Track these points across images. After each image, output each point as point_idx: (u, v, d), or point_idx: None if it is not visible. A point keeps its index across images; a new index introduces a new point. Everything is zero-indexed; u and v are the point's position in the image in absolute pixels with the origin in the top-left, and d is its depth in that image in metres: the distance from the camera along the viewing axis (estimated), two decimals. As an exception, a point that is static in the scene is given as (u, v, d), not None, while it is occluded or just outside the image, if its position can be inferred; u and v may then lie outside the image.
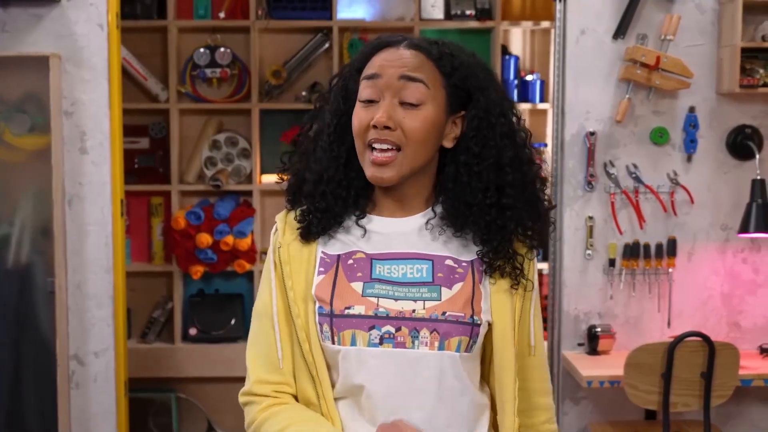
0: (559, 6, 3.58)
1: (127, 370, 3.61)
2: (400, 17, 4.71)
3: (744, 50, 3.40)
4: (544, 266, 4.68)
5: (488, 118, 1.56)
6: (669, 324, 3.61)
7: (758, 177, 3.47)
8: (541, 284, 4.78)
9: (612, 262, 3.60)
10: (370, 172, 1.54)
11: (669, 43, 3.48)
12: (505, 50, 4.77)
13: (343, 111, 1.59)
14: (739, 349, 3.25)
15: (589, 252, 3.60)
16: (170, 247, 4.63)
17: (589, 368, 3.39)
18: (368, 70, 1.56)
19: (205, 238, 4.45)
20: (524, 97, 4.76)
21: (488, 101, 1.56)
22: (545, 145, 4.75)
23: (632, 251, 3.59)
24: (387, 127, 1.52)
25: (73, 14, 3.38)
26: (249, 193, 4.70)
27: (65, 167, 3.42)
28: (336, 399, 1.57)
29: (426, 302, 1.54)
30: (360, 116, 1.55)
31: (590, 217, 3.60)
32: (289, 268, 1.58)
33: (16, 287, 3.39)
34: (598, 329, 3.55)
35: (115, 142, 3.45)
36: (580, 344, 3.62)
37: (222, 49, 4.62)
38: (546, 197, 1.63)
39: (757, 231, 3.45)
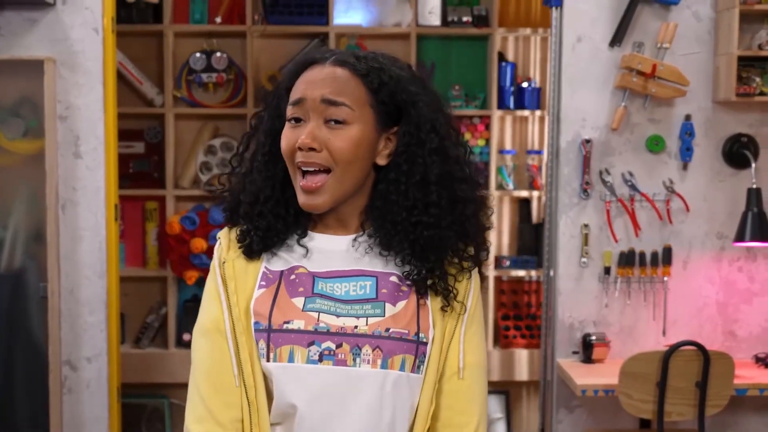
0: (555, 13, 3.58)
1: (120, 375, 3.60)
2: (396, 24, 4.71)
3: (740, 59, 3.40)
4: (537, 273, 4.67)
5: (418, 134, 1.50)
6: (664, 333, 3.60)
7: (754, 186, 3.46)
8: (535, 291, 4.78)
9: (607, 270, 3.59)
10: (302, 199, 1.50)
11: (665, 51, 3.48)
12: (501, 57, 4.77)
13: (277, 130, 1.54)
14: (734, 358, 3.24)
15: (584, 260, 3.60)
16: (165, 252, 4.62)
17: (584, 376, 3.38)
18: (293, 95, 1.51)
19: (199, 243, 4.44)
20: (520, 104, 4.75)
21: (419, 116, 1.50)
22: (541, 153, 4.75)
23: (627, 259, 3.58)
24: (312, 149, 1.46)
25: (68, 18, 3.38)
26: (244, 199, 4.68)
27: (59, 172, 3.41)
28: (272, 424, 1.50)
29: (369, 318, 1.48)
30: (287, 137, 1.50)
31: (585, 225, 3.59)
32: (233, 284, 1.53)
33: (8, 292, 3.38)
34: (593, 337, 3.54)
35: (109, 146, 3.44)
36: (574, 352, 3.61)
37: (218, 54, 4.61)
38: (483, 215, 1.57)
39: (752, 240, 3.44)
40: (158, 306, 4.73)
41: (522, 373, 4.72)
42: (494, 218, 1.59)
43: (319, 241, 1.55)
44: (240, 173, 1.59)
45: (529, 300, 4.81)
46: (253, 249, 1.54)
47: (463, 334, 1.54)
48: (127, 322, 4.66)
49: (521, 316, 4.79)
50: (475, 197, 1.55)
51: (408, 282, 1.52)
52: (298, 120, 1.49)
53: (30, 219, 3.40)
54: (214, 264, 1.56)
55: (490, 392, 1.53)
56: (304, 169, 1.48)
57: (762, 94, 3.44)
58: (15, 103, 3.38)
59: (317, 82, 1.48)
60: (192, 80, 4.65)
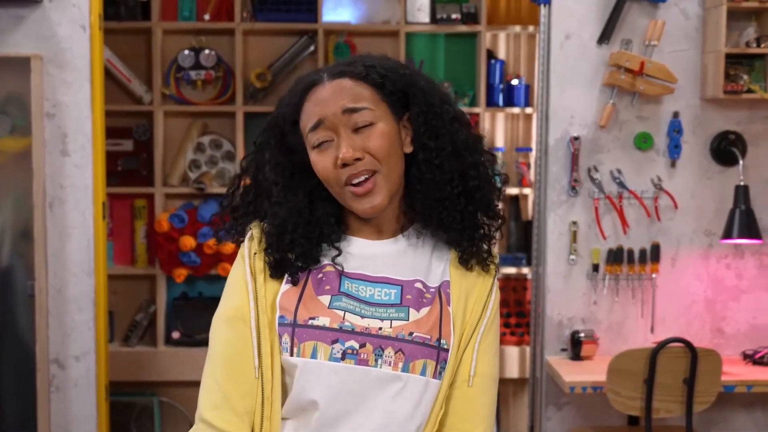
0: (543, 11, 3.58)
1: (108, 373, 3.58)
2: (385, 21, 4.70)
3: (728, 56, 3.40)
4: (526, 270, 4.68)
5: (431, 109, 1.53)
6: (652, 330, 3.61)
7: (741, 183, 3.47)
8: (524, 288, 4.78)
9: (596, 268, 3.60)
10: (359, 206, 1.50)
11: (653, 49, 3.49)
12: (490, 55, 4.77)
13: (287, 165, 1.54)
14: (721, 355, 3.25)
15: (572, 257, 3.60)
16: (153, 250, 4.61)
17: (572, 374, 3.38)
18: (308, 121, 1.51)
19: (188, 241, 4.43)
20: (509, 101, 4.76)
21: (424, 93, 1.53)
22: (530, 150, 4.76)
23: (616, 256, 3.58)
24: (357, 159, 1.47)
25: (55, 15, 3.36)
26: (233, 196, 4.67)
27: (46, 169, 3.39)
28: (282, 419, 1.51)
29: (393, 321, 1.49)
30: (322, 163, 1.50)
31: (574, 222, 3.60)
32: (262, 277, 1.53)
33: (-5, 290, 3.37)
34: (582, 335, 3.55)
35: (97, 144, 3.43)
36: (563, 349, 3.61)
37: (206, 51, 4.60)
38: (498, 173, 1.60)
39: (740, 237, 3.46)
40: (147, 304, 4.72)
41: (511, 370, 4.73)
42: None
43: (352, 244, 1.56)
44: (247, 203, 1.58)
45: (518, 297, 4.82)
46: (294, 274, 1.53)
47: (478, 342, 1.55)
48: (116, 321, 4.65)
49: (510, 314, 4.79)
50: (490, 157, 1.59)
51: (432, 289, 1.53)
52: (322, 143, 1.50)
53: (17, 217, 3.39)
54: (244, 254, 1.55)
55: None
56: (355, 181, 1.48)
57: (749, 91, 3.45)
58: (2, 100, 3.36)
59: (328, 99, 1.49)
60: (180, 77, 4.64)
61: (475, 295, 1.56)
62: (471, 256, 1.55)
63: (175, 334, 4.58)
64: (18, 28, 3.35)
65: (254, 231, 1.58)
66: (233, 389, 1.50)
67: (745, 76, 3.45)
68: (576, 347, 3.55)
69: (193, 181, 4.60)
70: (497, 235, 1.59)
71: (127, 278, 4.71)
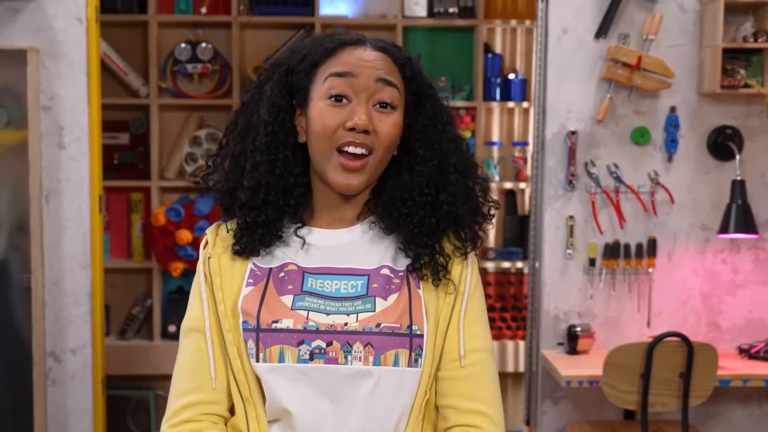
0: (541, 5, 3.57)
1: (104, 367, 3.58)
2: (382, 14, 4.70)
3: (725, 51, 3.40)
4: (523, 265, 4.68)
5: (434, 125, 1.51)
6: (648, 324, 3.61)
7: (738, 178, 3.47)
8: (521, 283, 4.79)
9: (592, 262, 3.60)
10: (339, 178, 1.45)
11: (651, 43, 3.48)
12: (487, 48, 4.77)
13: (283, 107, 1.48)
14: (717, 349, 3.25)
15: (569, 251, 3.60)
16: (150, 244, 4.61)
17: (569, 368, 3.38)
18: (338, 67, 1.45)
19: (185, 235, 4.43)
20: (506, 95, 4.76)
21: (434, 109, 1.52)
22: (527, 144, 4.76)
23: (612, 251, 3.59)
24: (366, 131, 1.43)
25: (51, 8, 3.35)
26: (229, 190, 4.67)
27: (43, 163, 3.38)
28: (269, 421, 1.47)
29: (359, 314, 1.44)
30: (329, 115, 1.44)
31: (571, 217, 3.60)
32: (219, 279, 1.49)
33: (-9, 283, 3.36)
34: (578, 329, 3.55)
35: (93, 137, 3.42)
36: (559, 344, 3.61)
37: (203, 45, 4.59)
38: (491, 202, 1.56)
39: (736, 232, 3.46)
40: (143, 298, 4.72)
41: (507, 364, 4.73)
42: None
43: (315, 235, 1.51)
44: (231, 156, 1.52)
45: (515, 291, 4.82)
46: (250, 248, 1.49)
47: (462, 320, 1.49)
48: (112, 314, 4.65)
49: (507, 308, 4.80)
50: (483, 183, 1.56)
51: (400, 273, 1.48)
52: (339, 98, 1.44)
53: (13, 210, 3.38)
54: (199, 262, 1.52)
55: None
56: (350, 149, 1.43)
57: (746, 86, 3.45)
58: (-2, 93, 3.36)
59: (369, 61, 1.45)
60: (177, 71, 4.63)
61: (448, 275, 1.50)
62: (423, 265, 1.48)
63: (172, 328, 4.58)
64: (14, 20, 3.34)
65: (209, 235, 1.54)
66: (192, 399, 1.48)
67: (742, 71, 3.45)
68: (572, 341, 3.55)
69: (190, 174, 4.59)
70: (458, 254, 1.52)
71: (124, 272, 4.71)
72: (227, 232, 1.53)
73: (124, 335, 4.66)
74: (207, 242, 1.53)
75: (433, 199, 1.49)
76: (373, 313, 1.44)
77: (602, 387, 3.22)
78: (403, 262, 1.50)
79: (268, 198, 1.47)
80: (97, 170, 3.46)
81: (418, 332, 1.44)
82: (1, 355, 3.40)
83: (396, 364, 1.43)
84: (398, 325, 1.43)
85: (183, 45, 4.59)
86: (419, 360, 1.44)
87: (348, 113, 1.43)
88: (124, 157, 4.66)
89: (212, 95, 4.67)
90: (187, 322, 1.52)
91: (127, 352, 4.55)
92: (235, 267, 1.50)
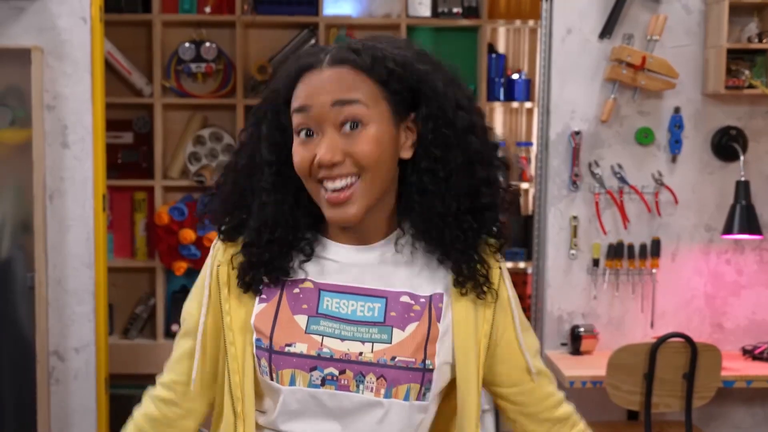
0: (545, 5, 3.57)
1: (108, 366, 3.58)
2: (386, 14, 4.70)
3: (730, 51, 3.40)
4: (526, 265, 4.68)
5: (444, 115, 1.37)
6: (652, 325, 3.61)
7: (742, 178, 3.47)
8: (524, 283, 4.78)
9: (596, 262, 3.60)
10: (330, 213, 1.36)
11: (655, 44, 3.48)
12: (491, 49, 4.76)
13: (283, 145, 1.40)
14: (721, 350, 3.25)
15: (573, 252, 3.60)
16: (153, 243, 4.61)
17: (572, 368, 3.38)
18: (295, 102, 1.36)
19: (188, 234, 4.43)
20: (510, 95, 4.75)
21: (438, 95, 1.37)
22: (530, 144, 4.75)
23: (616, 251, 3.58)
24: (335, 164, 1.33)
25: (55, 7, 3.35)
26: (233, 189, 4.67)
27: (47, 162, 3.39)
28: (265, 428, 1.44)
29: (375, 344, 1.38)
30: (300, 154, 1.36)
31: (574, 217, 3.59)
32: (227, 290, 1.43)
33: (-5, 282, 3.37)
34: (581, 329, 3.55)
35: (97, 137, 3.42)
36: (563, 344, 3.61)
37: (207, 44, 4.59)
38: (510, 185, 1.47)
39: (740, 232, 3.45)
40: (147, 297, 4.72)
41: (510, 364, 4.72)
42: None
43: (332, 249, 1.44)
44: (234, 193, 1.45)
45: (518, 292, 4.81)
46: (257, 284, 1.43)
47: (521, 337, 1.49)
48: (116, 313, 4.65)
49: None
50: (506, 173, 1.46)
51: (422, 300, 1.42)
52: (308, 133, 1.36)
53: (17, 209, 3.38)
54: (207, 263, 1.47)
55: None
56: (330, 185, 1.35)
57: (751, 86, 3.44)
58: (2, 92, 3.36)
59: (320, 87, 1.34)
60: (181, 70, 4.63)
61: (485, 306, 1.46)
62: (467, 279, 1.42)
63: (175, 327, 4.58)
64: (18, 19, 3.34)
65: (220, 240, 1.48)
66: (173, 399, 1.51)
67: (747, 72, 3.45)
68: (576, 342, 3.55)
69: (193, 174, 4.59)
70: (498, 258, 1.47)
71: (127, 271, 4.71)
72: (234, 259, 1.46)
73: (127, 334, 4.66)
74: (217, 246, 1.48)
75: (473, 204, 1.40)
76: (389, 345, 1.39)
77: (606, 387, 3.22)
78: (426, 288, 1.43)
79: (274, 236, 1.41)
80: (101, 169, 3.46)
81: (430, 366, 1.40)
82: (4, 354, 3.41)
83: (407, 398, 1.39)
84: (413, 360, 1.38)
85: (187, 44, 4.59)
86: (427, 394, 1.41)
87: (315, 147, 1.35)
88: (127, 156, 4.67)
89: (216, 95, 4.67)
90: (188, 326, 1.49)
91: (131, 351, 4.56)
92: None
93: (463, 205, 1.39)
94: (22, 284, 3.36)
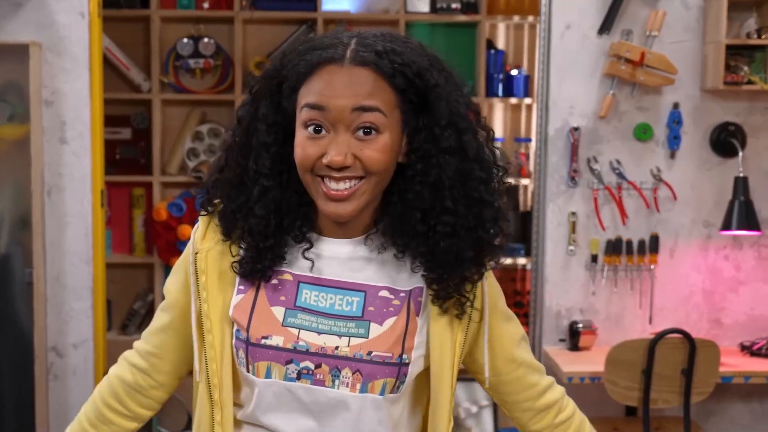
0: (544, 1, 3.57)
1: (106, 362, 3.58)
2: (384, 10, 4.69)
3: (729, 47, 3.40)
4: (525, 261, 4.68)
5: (433, 130, 1.36)
6: (650, 320, 3.61)
7: (741, 174, 3.47)
8: (523, 279, 4.79)
9: (594, 258, 3.60)
10: (326, 207, 1.35)
11: (654, 39, 3.48)
12: (490, 45, 4.76)
13: (282, 126, 1.38)
14: (719, 346, 3.25)
15: (571, 248, 3.60)
16: (152, 239, 4.61)
17: (570, 364, 3.38)
18: (311, 97, 1.33)
19: (186, 230, 4.43)
20: (509, 91, 4.75)
21: (437, 110, 1.36)
22: (529, 140, 4.75)
23: (614, 247, 3.58)
24: (345, 167, 1.32)
25: (53, 3, 3.34)
26: (231, 185, 4.67)
27: (45, 157, 3.38)
28: (243, 422, 1.44)
29: (351, 338, 1.38)
30: (307, 150, 1.33)
31: (573, 213, 3.59)
32: (205, 278, 1.42)
33: (-7, 278, 3.37)
34: (580, 325, 3.55)
35: (95, 132, 3.42)
36: (561, 340, 3.61)
37: (205, 40, 4.59)
38: (502, 221, 1.43)
39: (739, 228, 3.45)
40: (145, 293, 4.72)
41: (509, 360, 4.73)
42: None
43: (317, 244, 1.42)
44: (234, 178, 1.41)
45: (516, 288, 4.82)
46: (259, 274, 1.41)
47: (486, 343, 1.47)
48: (114, 309, 4.65)
49: (508, 304, 4.78)
50: (494, 199, 1.40)
51: (402, 294, 1.41)
52: (317, 129, 1.33)
53: (15, 205, 3.38)
54: (188, 247, 1.45)
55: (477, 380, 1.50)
56: (334, 186, 1.34)
57: (750, 82, 3.44)
58: (0, 88, 3.35)
59: (341, 90, 1.31)
60: (179, 66, 4.62)
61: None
62: (448, 295, 1.39)
63: (173, 323, 4.58)
64: (17, 15, 3.34)
65: (200, 226, 1.46)
66: (145, 367, 1.55)
67: (746, 68, 3.45)
68: (574, 338, 3.55)
69: (192, 169, 4.59)
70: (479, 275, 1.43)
71: (125, 267, 4.71)
72: (216, 225, 1.44)
73: (125, 330, 4.66)
74: (197, 232, 1.46)
75: (435, 227, 1.37)
76: (365, 339, 1.38)
77: (604, 383, 3.22)
78: (406, 282, 1.42)
79: (279, 223, 1.40)
80: (99, 165, 3.45)
81: (407, 361, 1.39)
82: (2, 350, 3.40)
83: (382, 393, 1.39)
84: (390, 355, 1.38)
85: (185, 40, 4.59)
86: (401, 387, 1.40)
87: (325, 145, 1.33)
88: (126, 152, 4.66)
89: (214, 90, 4.67)
90: (165, 292, 1.52)
91: (129, 347, 4.54)
92: (223, 266, 1.43)
93: (428, 222, 1.37)
94: (20, 280, 3.35)
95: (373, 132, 1.33)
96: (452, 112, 1.37)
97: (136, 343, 1.57)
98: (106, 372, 3.66)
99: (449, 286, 1.39)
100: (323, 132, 1.33)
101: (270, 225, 1.39)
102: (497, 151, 1.44)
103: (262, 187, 1.39)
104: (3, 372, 3.40)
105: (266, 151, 1.38)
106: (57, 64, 3.37)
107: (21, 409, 3.40)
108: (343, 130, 1.32)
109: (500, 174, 1.43)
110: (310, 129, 1.34)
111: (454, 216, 1.37)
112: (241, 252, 1.42)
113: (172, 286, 1.50)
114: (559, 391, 1.58)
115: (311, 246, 1.42)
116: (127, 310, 4.70)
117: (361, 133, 1.32)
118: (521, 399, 1.54)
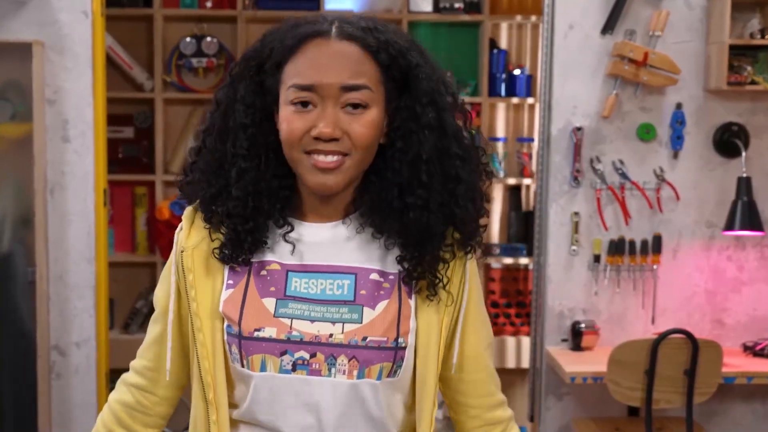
0: (547, 0, 3.56)
1: (108, 361, 3.59)
2: (387, 9, 4.69)
3: (732, 47, 3.39)
4: (527, 261, 4.68)
5: (414, 108, 1.37)
6: (653, 321, 3.61)
7: (744, 175, 3.46)
8: (525, 279, 4.78)
9: (597, 258, 3.59)
10: (315, 179, 1.35)
11: (657, 39, 3.47)
12: (493, 44, 4.76)
13: (259, 107, 1.39)
14: (722, 346, 3.24)
15: (574, 248, 3.60)
16: (154, 238, 4.61)
17: (573, 364, 3.38)
18: (296, 77, 1.34)
19: (189, 229, 4.42)
20: (511, 91, 4.75)
21: (418, 89, 1.37)
22: (532, 140, 4.75)
23: (617, 247, 3.58)
24: (334, 139, 1.33)
25: (56, 1, 3.35)
26: (234, 185, 4.67)
27: (47, 156, 3.38)
28: (239, 422, 1.43)
29: (345, 324, 1.37)
30: (294, 124, 1.34)
31: (576, 213, 3.59)
32: (192, 276, 1.40)
33: (-4, 277, 3.37)
34: (582, 325, 3.54)
35: (98, 131, 3.42)
36: (563, 340, 3.61)
37: (208, 39, 4.59)
38: (478, 197, 1.42)
39: (742, 229, 3.45)
40: (147, 292, 4.72)
41: (510, 360, 4.73)
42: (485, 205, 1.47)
43: (298, 229, 1.42)
44: (212, 162, 1.40)
45: (519, 287, 4.82)
46: (239, 258, 1.40)
47: (459, 331, 1.44)
48: (116, 308, 4.66)
49: (511, 304, 4.79)
50: (471, 178, 1.40)
51: (391, 276, 1.40)
52: (305, 104, 1.34)
53: (18, 203, 3.38)
54: (174, 249, 1.45)
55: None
56: (322, 159, 1.34)
57: (753, 83, 3.44)
58: (2, 86, 3.35)
59: (329, 66, 1.32)
60: (182, 65, 4.62)
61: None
62: (420, 275, 1.39)
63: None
64: (19, 13, 3.34)
65: (184, 223, 1.45)
66: (144, 385, 1.52)
67: (749, 68, 3.44)
68: (577, 338, 3.54)
69: (194, 168, 4.58)
70: (454, 256, 1.41)
71: (128, 265, 4.71)
72: (202, 219, 1.43)
73: (128, 329, 4.66)
74: (182, 229, 1.45)
75: (410, 201, 1.37)
76: (359, 325, 1.37)
77: (606, 383, 3.22)
78: (395, 265, 1.41)
79: (258, 205, 1.39)
80: (102, 164, 3.46)
81: (403, 344, 1.38)
82: (5, 349, 3.41)
83: (379, 377, 1.38)
84: (385, 339, 1.37)
85: (188, 39, 4.59)
86: (398, 371, 1.39)
87: (314, 119, 1.33)
88: (128, 150, 4.67)
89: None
90: (155, 302, 1.50)
91: (131, 346, 4.48)
92: (210, 262, 1.41)
93: (404, 199, 1.37)
94: (22, 279, 3.35)
95: (360, 108, 1.34)
96: (433, 90, 1.38)
97: (132, 363, 1.54)
98: (108, 371, 3.67)
99: (421, 265, 1.39)
100: (310, 107, 1.34)
101: (248, 207, 1.38)
102: (475, 133, 1.45)
103: (240, 168, 1.38)
104: (5, 370, 3.40)
105: (244, 132, 1.38)
106: (59, 62, 3.37)
107: (23, 407, 3.40)
108: (332, 104, 1.34)
109: (480, 155, 1.44)
110: (297, 105, 1.34)
111: (427, 190, 1.37)
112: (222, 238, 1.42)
113: (162, 293, 1.48)
114: (509, 412, 1.54)
115: (292, 229, 1.41)
116: (130, 309, 4.70)
117: (350, 108, 1.34)
118: (474, 404, 1.50)
